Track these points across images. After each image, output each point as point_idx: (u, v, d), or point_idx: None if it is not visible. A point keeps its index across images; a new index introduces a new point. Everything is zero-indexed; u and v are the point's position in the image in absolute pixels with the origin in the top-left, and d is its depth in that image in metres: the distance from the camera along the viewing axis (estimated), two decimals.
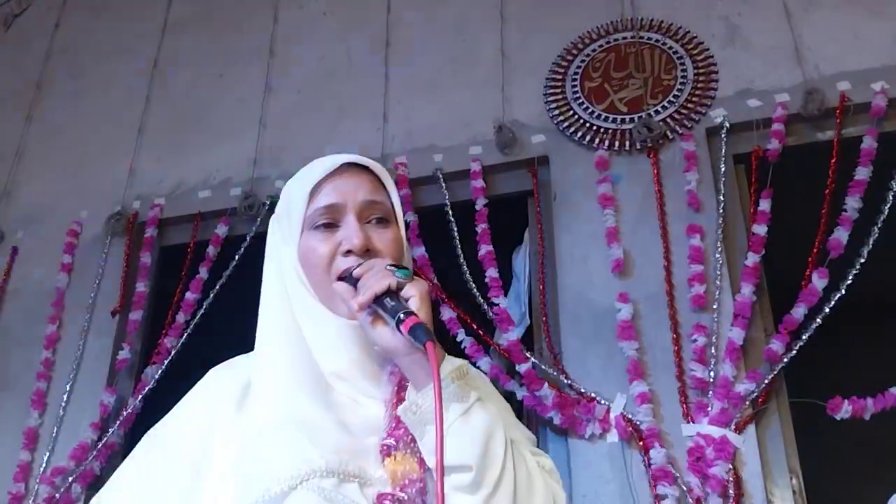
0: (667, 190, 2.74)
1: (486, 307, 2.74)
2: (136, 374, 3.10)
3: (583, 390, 2.52)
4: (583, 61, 3.08)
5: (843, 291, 2.41)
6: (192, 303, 3.10)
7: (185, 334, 3.06)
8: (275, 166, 3.31)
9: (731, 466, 2.27)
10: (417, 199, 3.03)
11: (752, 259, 2.50)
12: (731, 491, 2.24)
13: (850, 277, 2.41)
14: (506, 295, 2.81)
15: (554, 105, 3.02)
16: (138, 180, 3.50)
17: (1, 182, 3.70)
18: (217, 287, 3.12)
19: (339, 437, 1.08)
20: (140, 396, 2.97)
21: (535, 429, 2.64)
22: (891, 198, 2.50)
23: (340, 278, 1.15)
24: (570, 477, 2.46)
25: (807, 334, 2.38)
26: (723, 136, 2.76)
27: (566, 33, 3.16)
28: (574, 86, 3.04)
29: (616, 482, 2.40)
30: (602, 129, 2.90)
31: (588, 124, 2.93)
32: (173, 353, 3.01)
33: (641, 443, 2.37)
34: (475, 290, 2.78)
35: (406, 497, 1.04)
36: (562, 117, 2.98)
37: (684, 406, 2.40)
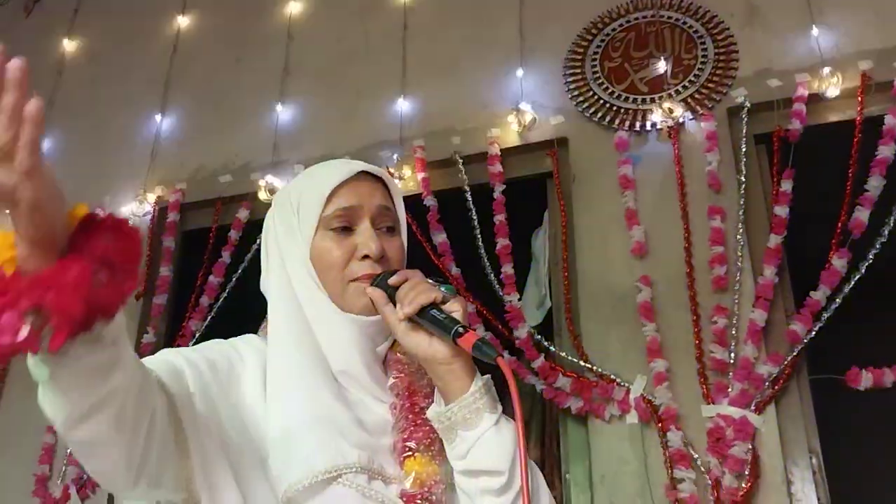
0: (687, 171, 2.73)
1: (502, 294, 2.75)
2: None
3: (603, 372, 2.53)
4: (602, 41, 3.07)
5: (864, 272, 2.40)
6: (215, 286, 3.14)
7: (209, 317, 3.10)
8: (294, 150, 3.33)
9: (750, 447, 2.28)
10: (435, 183, 3.03)
11: (774, 240, 2.49)
12: (749, 470, 2.25)
13: (871, 257, 2.40)
14: (523, 284, 2.81)
15: (573, 86, 3.01)
16: (159, 165, 3.53)
17: None
18: (239, 270, 3.15)
19: (361, 435, 1.13)
20: None
21: (555, 412, 2.65)
22: None
23: (371, 284, 1.18)
24: (590, 458, 2.48)
25: (827, 315, 2.38)
26: (743, 116, 2.74)
27: (585, 13, 3.14)
28: (594, 66, 3.03)
29: (635, 463, 2.42)
30: (622, 110, 2.89)
31: (608, 105, 2.92)
32: (197, 335, 3.05)
33: (661, 424, 2.39)
34: (493, 278, 2.78)
35: (434, 498, 1.12)
36: (581, 98, 2.97)
37: (704, 387, 2.40)
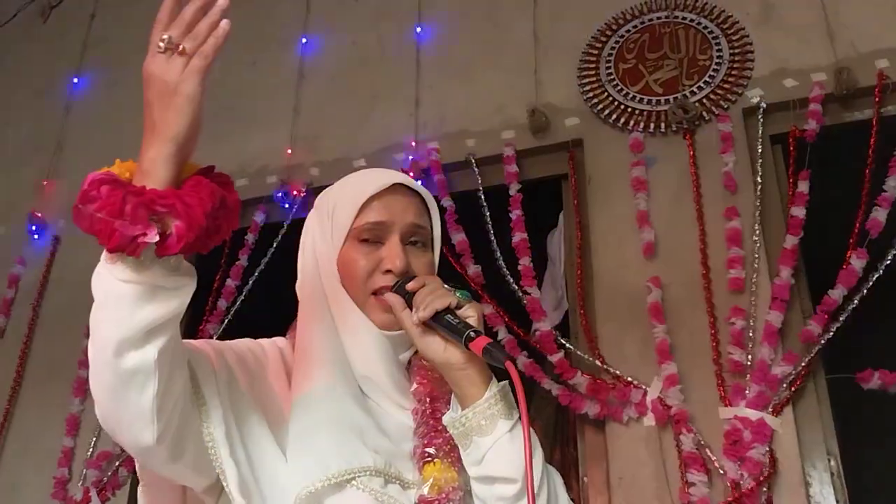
0: (703, 172, 2.72)
1: (520, 294, 2.74)
2: None
3: (619, 374, 2.52)
4: (616, 42, 3.06)
5: (882, 272, 2.38)
6: (231, 289, 3.15)
7: (226, 320, 3.11)
8: (309, 153, 3.34)
9: (767, 449, 2.27)
10: (450, 185, 3.04)
11: (791, 241, 2.48)
12: (767, 472, 2.24)
13: (890, 257, 2.39)
14: (541, 281, 2.81)
15: (588, 87, 3.01)
16: None
17: (42, 172, 3.77)
18: (256, 273, 3.16)
19: (381, 440, 1.14)
20: None
21: (572, 415, 2.65)
22: None
23: (391, 289, 1.19)
24: (607, 460, 2.48)
25: (844, 315, 2.37)
26: (759, 116, 2.74)
27: (599, 15, 3.14)
28: (608, 67, 3.02)
29: (652, 465, 2.41)
30: (637, 111, 2.89)
31: (622, 106, 2.92)
32: (215, 338, 3.06)
33: (677, 426, 2.38)
34: (510, 277, 2.77)
35: None
36: (595, 100, 2.97)
37: (721, 389, 2.39)
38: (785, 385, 2.34)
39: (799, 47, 2.81)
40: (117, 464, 2.95)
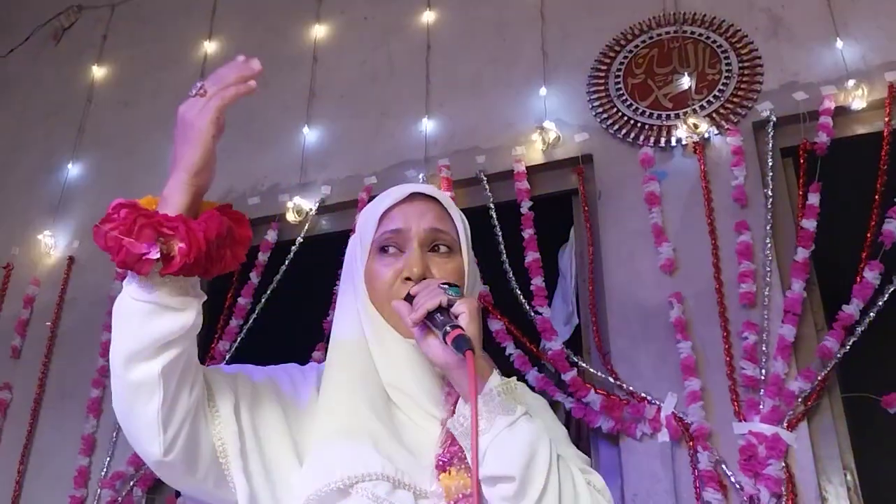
0: (713, 186, 2.72)
1: (532, 314, 2.74)
2: None
3: (632, 390, 2.51)
4: (625, 57, 3.07)
5: None
6: (244, 308, 3.16)
7: (239, 338, 3.12)
8: (321, 171, 3.36)
9: (783, 464, 2.25)
10: (461, 201, 3.04)
11: (802, 254, 2.47)
12: (783, 488, 2.22)
13: None
14: (552, 298, 2.80)
15: (597, 103, 3.02)
16: None
17: (56, 193, 3.80)
18: (268, 291, 3.17)
19: (397, 449, 1.13)
20: None
21: (586, 432, 2.64)
22: None
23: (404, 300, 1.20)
24: (622, 477, 2.46)
25: (861, 328, 2.35)
26: (769, 130, 2.73)
27: (607, 30, 3.15)
28: (617, 83, 3.03)
29: (667, 482, 2.40)
30: (646, 126, 2.89)
31: (632, 121, 2.92)
32: (227, 357, 3.07)
33: (692, 442, 2.37)
34: (521, 296, 2.77)
35: None
36: (605, 115, 2.98)
37: (735, 404, 2.38)
38: (800, 400, 2.32)
39: (808, 60, 2.81)
40: (131, 484, 2.95)
